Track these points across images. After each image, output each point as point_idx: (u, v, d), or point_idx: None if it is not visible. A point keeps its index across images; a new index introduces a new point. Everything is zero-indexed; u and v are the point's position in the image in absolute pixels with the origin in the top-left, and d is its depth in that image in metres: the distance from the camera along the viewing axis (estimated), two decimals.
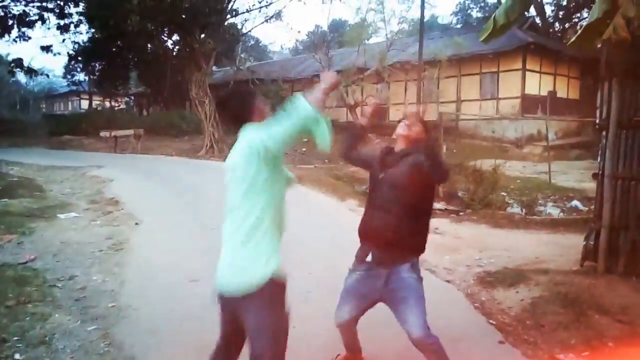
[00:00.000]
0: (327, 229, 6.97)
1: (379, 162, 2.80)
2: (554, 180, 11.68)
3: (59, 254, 5.47)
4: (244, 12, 23.13)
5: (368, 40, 20.37)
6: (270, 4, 23.01)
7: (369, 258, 2.76)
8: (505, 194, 9.79)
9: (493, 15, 4.72)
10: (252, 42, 39.94)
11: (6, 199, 8.35)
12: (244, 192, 2.12)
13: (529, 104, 19.63)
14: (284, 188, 2.25)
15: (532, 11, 24.03)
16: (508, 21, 4.53)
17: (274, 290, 2.12)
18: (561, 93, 21.32)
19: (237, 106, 2.30)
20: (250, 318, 2.13)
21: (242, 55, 29.04)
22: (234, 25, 24.44)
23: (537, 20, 24.94)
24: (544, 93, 20.00)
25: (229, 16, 21.71)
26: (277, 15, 23.88)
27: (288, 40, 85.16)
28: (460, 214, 8.09)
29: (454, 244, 6.15)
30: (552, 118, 17.46)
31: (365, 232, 2.78)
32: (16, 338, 3.27)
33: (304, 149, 17.99)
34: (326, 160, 15.59)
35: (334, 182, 10.91)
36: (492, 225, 7.28)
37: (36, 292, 4.21)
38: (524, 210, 8.76)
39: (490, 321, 3.80)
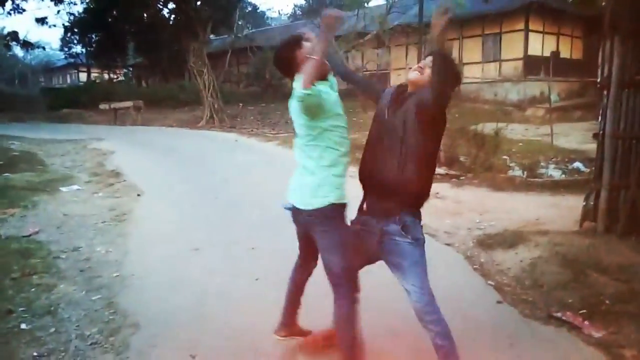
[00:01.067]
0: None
1: (392, 99, 2.56)
2: (556, 142, 11.60)
3: (62, 226, 5.52)
4: None
5: (368, 3, 19.97)
6: None
7: (365, 208, 2.60)
8: (507, 157, 9.75)
9: None
10: (250, 9, 39.19)
11: (8, 174, 8.38)
12: (305, 133, 2.49)
13: (532, 66, 19.35)
14: (343, 135, 2.52)
15: None
16: None
17: (334, 213, 2.47)
18: (565, 53, 20.97)
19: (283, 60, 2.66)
20: (317, 234, 2.53)
21: (240, 23, 28.54)
22: None
23: None
24: (547, 54, 19.67)
25: None
26: None
27: (286, 6, 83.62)
28: (462, 178, 8.07)
29: (454, 208, 6.16)
30: (555, 79, 17.21)
31: (362, 174, 2.59)
32: (22, 309, 3.33)
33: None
34: None
35: None
36: (493, 189, 7.27)
37: (41, 263, 4.26)
38: (525, 172, 8.74)
39: (489, 282, 3.84)
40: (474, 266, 4.18)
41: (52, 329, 3.09)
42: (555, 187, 7.36)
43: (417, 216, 2.51)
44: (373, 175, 2.51)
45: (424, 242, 2.52)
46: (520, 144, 11.59)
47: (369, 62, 19.59)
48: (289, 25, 33.01)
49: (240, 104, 22.28)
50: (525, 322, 3.22)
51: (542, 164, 9.62)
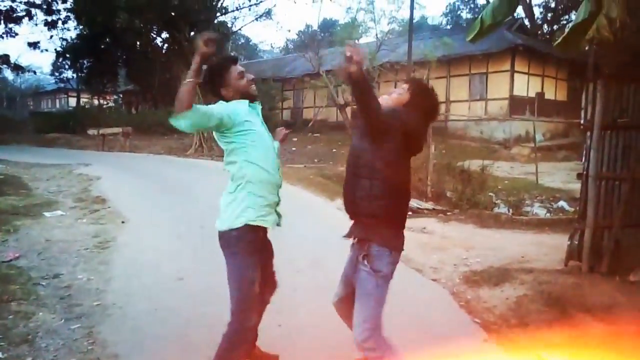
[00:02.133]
0: (316, 227, 6.97)
1: (351, 124, 2.66)
2: (541, 181, 11.79)
3: (44, 252, 5.41)
4: (234, 10, 23.20)
5: (358, 40, 20.38)
6: (261, 2, 23.08)
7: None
8: (492, 194, 9.87)
9: (480, 15, 4.75)
10: (243, 41, 39.84)
11: None
12: (226, 155, 2.52)
13: (517, 105, 19.80)
14: (266, 153, 2.53)
15: (521, 13, 24.24)
16: (495, 21, 4.57)
17: (241, 235, 2.44)
18: (549, 94, 21.53)
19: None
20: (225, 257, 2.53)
21: (233, 54, 28.89)
22: (223, 23, 24.40)
23: (526, 22, 25.14)
24: (532, 94, 20.20)
25: (218, 14, 21.71)
26: (267, 14, 23.94)
27: (278, 39, 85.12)
28: (448, 213, 8.13)
29: (441, 244, 6.18)
30: (540, 119, 17.63)
31: (343, 199, 2.57)
32: None
33: (293, 148, 17.99)
34: (315, 160, 15.60)
35: (323, 182, 10.91)
36: (479, 225, 7.32)
37: (20, 290, 4.16)
38: (511, 210, 8.84)
39: (475, 320, 3.82)
40: (460, 303, 4.16)
41: (29, 359, 3.00)
42: (540, 225, 7.44)
43: (388, 248, 2.40)
44: (345, 201, 2.50)
45: (388, 277, 2.41)
46: (506, 181, 11.76)
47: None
48: (281, 58, 33.55)
49: None
50: None
51: (527, 201, 9.75)
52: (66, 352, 3.13)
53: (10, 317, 3.58)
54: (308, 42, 23.92)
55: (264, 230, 2.55)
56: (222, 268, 2.48)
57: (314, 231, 6.71)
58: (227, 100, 2.54)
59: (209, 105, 2.41)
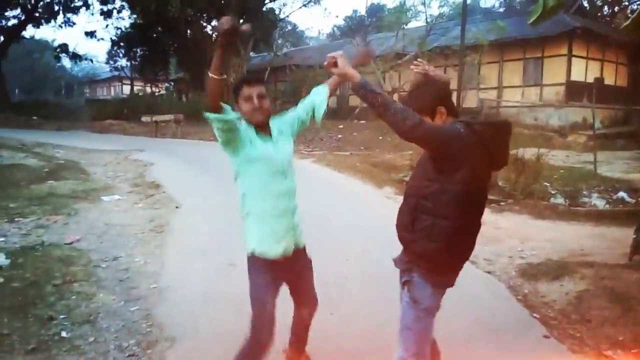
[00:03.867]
0: (364, 216, 6.92)
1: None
2: (599, 171, 11.23)
3: (102, 235, 5.63)
4: None
5: (407, 24, 20.02)
6: None
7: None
8: (548, 184, 9.49)
9: None
10: (290, 28, 39.86)
11: (52, 181, 8.65)
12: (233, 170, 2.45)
13: (574, 91, 18.90)
14: (269, 181, 2.37)
15: None
16: (559, 3, 4.32)
17: (250, 264, 2.45)
18: (609, 80, 20.42)
19: None
20: None
21: (280, 41, 29.02)
22: (272, 10, 24.47)
23: (585, 3, 23.92)
24: (590, 80, 19.21)
25: (267, 1, 21.73)
26: (315, 0, 23.73)
27: (325, 26, 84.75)
28: (501, 203, 7.88)
29: (494, 235, 6.00)
30: (599, 106, 16.76)
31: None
32: (63, 316, 3.38)
33: (339, 136, 17.93)
34: (362, 147, 15.48)
35: (370, 169, 10.82)
36: (534, 216, 7.06)
37: (81, 271, 4.34)
38: (567, 200, 8.47)
39: (534, 315, 3.69)
40: (518, 297, 4.03)
41: (92, 339, 3.13)
42: (599, 217, 7.09)
43: (431, 278, 2.11)
44: (399, 231, 2.24)
45: (431, 310, 2.15)
46: (562, 170, 11.27)
47: (406, 83, 19.53)
48: (328, 44, 33.37)
49: None
50: None
51: (584, 192, 9.31)
52: (126, 333, 3.25)
53: (73, 297, 3.74)
54: (355, 28, 23.65)
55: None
56: None
57: (362, 220, 6.66)
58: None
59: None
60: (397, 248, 2.29)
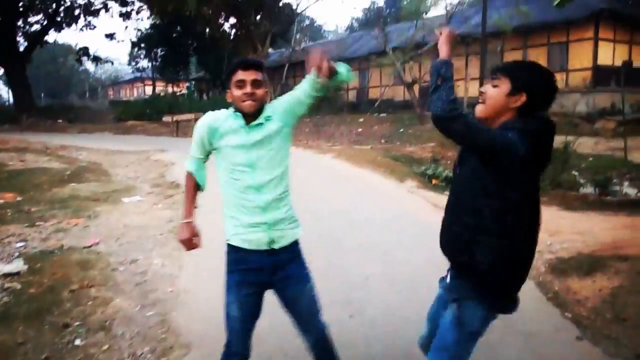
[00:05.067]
0: (386, 212, 6.76)
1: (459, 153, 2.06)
2: (630, 157, 10.81)
3: (121, 237, 5.59)
4: None
5: (427, 13, 19.66)
6: None
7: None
8: (576, 173, 9.18)
9: None
10: (307, 22, 39.71)
11: (74, 184, 8.71)
12: None
13: (602, 76, 18.29)
14: (243, 172, 2.21)
15: None
16: None
17: (228, 256, 2.31)
18: (638, 63, 19.71)
19: None
20: None
21: (298, 36, 28.88)
22: (288, 5, 24.34)
23: None
24: (618, 63, 18.55)
25: None
26: None
27: (343, 19, 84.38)
28: None
29: None
30: (628, 90, 16.15)
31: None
32: (78, 323, 3.33)
33: (359, 129, 17.74)
34: (383, 141, 15.28)
35: (391, 163, 10.63)
36: (563, 207, 6.80)
37: (99, 275, 4.30)
38: (597, 190, 8.16)
39: (566, 314, 3.50)
40: (548, 295, 3.84)
41: (105, 346, 3.06)
42: (632, 206, 6.79)
43: (488, 303, 1.91)
44: (440, 241, 2.05)
45: (476, 335, 1.96)
46: (591, 158, 10.92)
47: (427, 73, 19.21)
48: (346, 38, 33.12)
49: None
50: None
51: (615, 180, 8.97)
52: (141, 340, 3.18)
53: (89, 303, 3.69)
54: (374, 19, 23.35)
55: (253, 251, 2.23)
56: None
57: (384, 216, 6.51)
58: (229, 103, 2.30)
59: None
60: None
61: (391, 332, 3.23)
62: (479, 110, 1.94)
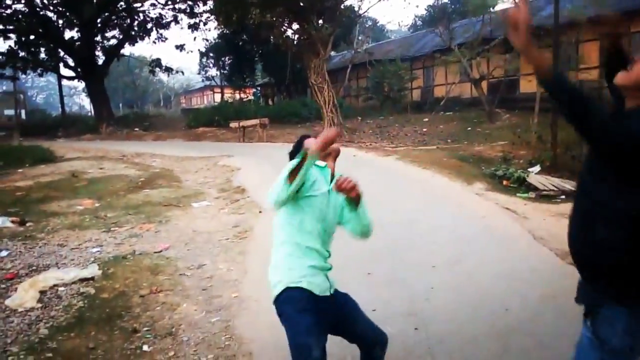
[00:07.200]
0: (453, 217, 6.52)
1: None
2: None
3: (190, 242, 5.77)
4: None
5: (494, 7, 18.90)
6: None
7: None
8: None
9: None
10: (370, 23, 39.46)
11: (148, 190, 9.12)
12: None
13: None
14: (316, 219, 2.25)
15: None
16: None
17: (285, 300, 2.22)
18: None
19: None
20: None
21: (360, 38, 28.74)
22: (350, 7, 24.28)
23: None
24: None
25: None
26: None
27: (406, 17, 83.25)
28: None
29: None
30: None
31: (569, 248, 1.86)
32: (146, 328, 3.44)
33: (424, 129, 17.35)
34: (449, 140, 14.84)
35: (458, 164, 10.28)
36: None
37: (168, 281, 4.44)
38: None
39: None
40: None
41: (171, 353, 3.13)
42: None
43: (627, 308, 1.67)
44: (569, 247, 1.83)
45: (619, 353, 1.69)
46: None
47: (496, 69, 18.45)
48: (409, 37, 32.59)
49: (359, 118, 22.35)
50: None
51: None
52: (205, 347, 3.22)
53: (158, 308, 3.81)
54: (438, 16, 22.81)
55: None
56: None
57: (451, 221, 6.27)
58: None
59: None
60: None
61: (457, 351, 3.06)
62: (622, 76, 1.75)
